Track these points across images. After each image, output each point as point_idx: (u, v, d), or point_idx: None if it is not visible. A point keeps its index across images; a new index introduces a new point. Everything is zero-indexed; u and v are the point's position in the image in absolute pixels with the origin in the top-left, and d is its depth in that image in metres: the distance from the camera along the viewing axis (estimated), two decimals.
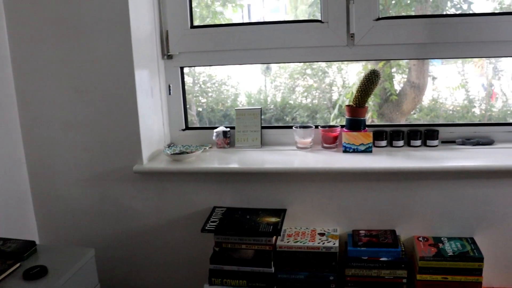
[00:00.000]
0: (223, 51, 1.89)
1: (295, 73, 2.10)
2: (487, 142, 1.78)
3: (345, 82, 2.10)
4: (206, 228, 1.62)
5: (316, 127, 1.85)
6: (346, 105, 1.83)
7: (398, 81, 2.07)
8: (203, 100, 2.13)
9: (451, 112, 2.01)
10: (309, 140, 1.83)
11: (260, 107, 1.93)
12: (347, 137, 1.77)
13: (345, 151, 1.77)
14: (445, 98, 2.01)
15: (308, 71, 2.09)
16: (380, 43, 1.78)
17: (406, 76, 2.07)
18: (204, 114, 2.10)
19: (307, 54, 1.85)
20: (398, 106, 2.08)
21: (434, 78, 2.00)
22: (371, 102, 2.01)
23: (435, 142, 1.80)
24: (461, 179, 1.64)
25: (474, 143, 1.78)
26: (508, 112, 1.95)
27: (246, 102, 2.13)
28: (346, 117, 1.82)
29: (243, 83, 2.12)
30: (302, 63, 2.07)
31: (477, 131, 1.82)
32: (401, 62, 2.05)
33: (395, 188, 1.68)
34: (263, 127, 1.91)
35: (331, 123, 2.06)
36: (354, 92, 1.80)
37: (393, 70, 2.09)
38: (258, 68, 2.10)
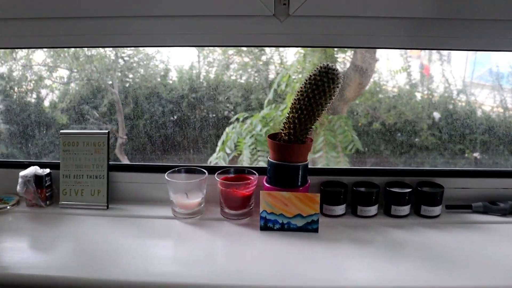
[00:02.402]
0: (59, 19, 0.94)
1: (229, 49, 1.81)
2: None
3: (283, 60, 1.77)
4: None
5: (211, 171, 1.00)
6: (269, 136, 0.98)
7: (340, 62, 1.79)
8: (130, 76, 1.76)
9: (393, 97, 1.76)
10: (197, 201, 0.96)
11: (107, 130, 1.02)
12: (270, 200, 0.91)
13: (264, 228, 0.93)
14: (387, 81, 1.75)
15: (243, 48, 1.81)
16: (334, 14, 0.90)
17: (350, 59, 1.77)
18: (130, 92, 1.70)
19: (204, 30, 0.94)
20: (340, 92, 1.67)
21: (376, 60, 1.73)
22: None
23: (436, 210, 0.99)
24: None
25: (507, 211, 0.99)
26: (450, 98, 1.66)
27: (177, 79, 1.76)
28: (269, 159, 0.96)
29: (174, 58, 1.75)
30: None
31: (506, 185, 1.04)
32: None
33: None
34: (112, 167, 1.03)
35: (265, 109, 1.57)
36: (288, 110, 0.95)
37: (335, 49, 1.78)
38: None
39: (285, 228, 0.92)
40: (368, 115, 1.82)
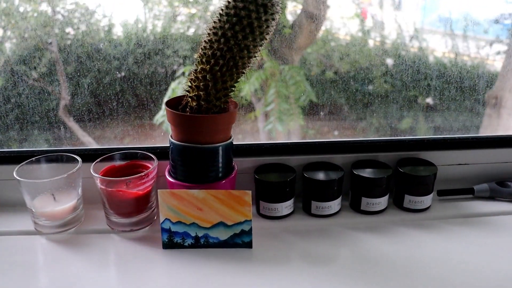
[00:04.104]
0: None
1: (176, 0, 1.75)
2: None
3: None
4: None
5: (90, 158, 0.71)
6: (167, 103, 0.66)
7: (291, 11, 1.71)
8: (72, 32, 1.64)
9: (346, 45, 1.73)
10: (68, 206, 0.66)
11: None
12: (176, 203, 0.60)
13: (169, 245, 0.63)
14: (338, 29, 1.71)
15: None
16: None
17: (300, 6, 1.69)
18: (73, 49, 1.57)
19: None
20: (291, 40, 1.69)
21: (327, 7, 1.68)
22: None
23: (427, 200, 0.70)
24: None
25: None
26: (403, 45, 1.62)
27: (122, 34, 1.69)
28: (171, 139, 0.64)
29: (118, 12, 1.67)
30: None
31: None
32: None
33: None
34: None
35: None
36: (196, 60, 0.61)
37: None
38: None
39: (201, 244, 0.62)
40: (321, 64, 1.73)
